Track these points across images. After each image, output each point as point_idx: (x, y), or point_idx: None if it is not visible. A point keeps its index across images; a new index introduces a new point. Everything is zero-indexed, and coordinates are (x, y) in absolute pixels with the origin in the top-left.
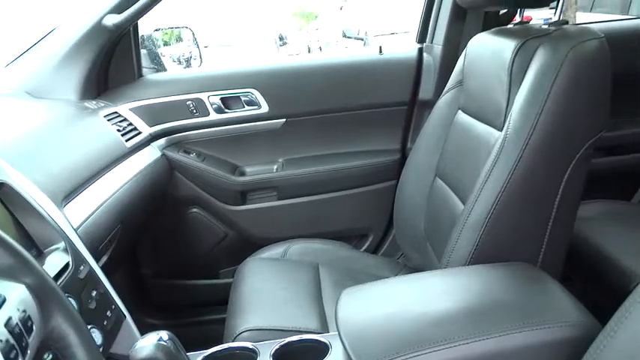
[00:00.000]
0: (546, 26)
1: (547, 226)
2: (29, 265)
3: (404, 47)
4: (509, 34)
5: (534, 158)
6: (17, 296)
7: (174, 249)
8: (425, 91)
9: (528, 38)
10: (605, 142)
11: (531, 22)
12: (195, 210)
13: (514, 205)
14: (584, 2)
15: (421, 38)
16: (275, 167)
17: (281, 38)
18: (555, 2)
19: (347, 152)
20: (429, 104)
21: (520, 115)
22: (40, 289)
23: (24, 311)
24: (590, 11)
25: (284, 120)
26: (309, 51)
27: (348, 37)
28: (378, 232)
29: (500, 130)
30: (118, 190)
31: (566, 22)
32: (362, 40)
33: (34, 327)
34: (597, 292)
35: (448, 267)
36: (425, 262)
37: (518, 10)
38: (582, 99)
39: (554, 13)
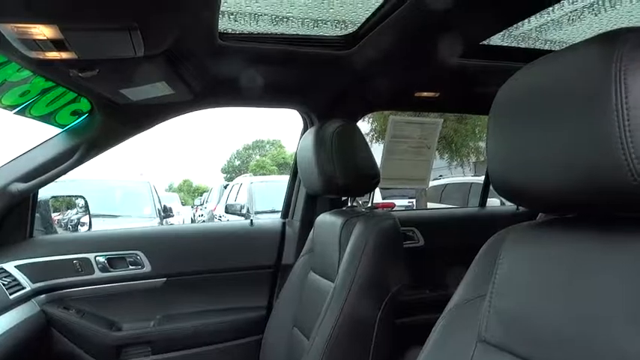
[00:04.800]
0: (363, 209)
1: (369, 352)
2: None
3: (271, 221)
4: (340, 213)
5: (355, 300)
6: None
7: None
8: (287, 257)
9: (351, 217)
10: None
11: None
12: None
13: (344, 336)
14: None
15: (284, 215)
16: (152, 323)
17: (165, 210)
18: (369, 194)
19: (220, 309)
20: (290, 267)
21: (345, 269)
22: None
23: None
24: (440, 202)
25: (165, 279)
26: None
27: (232, 213)
28: None
29: (334, 281)
30: None
31: (376, 208)
32: (244, 216)
33: None
34: None
35: None
36: None
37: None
38: (383, 259)
39: (369, 201)
